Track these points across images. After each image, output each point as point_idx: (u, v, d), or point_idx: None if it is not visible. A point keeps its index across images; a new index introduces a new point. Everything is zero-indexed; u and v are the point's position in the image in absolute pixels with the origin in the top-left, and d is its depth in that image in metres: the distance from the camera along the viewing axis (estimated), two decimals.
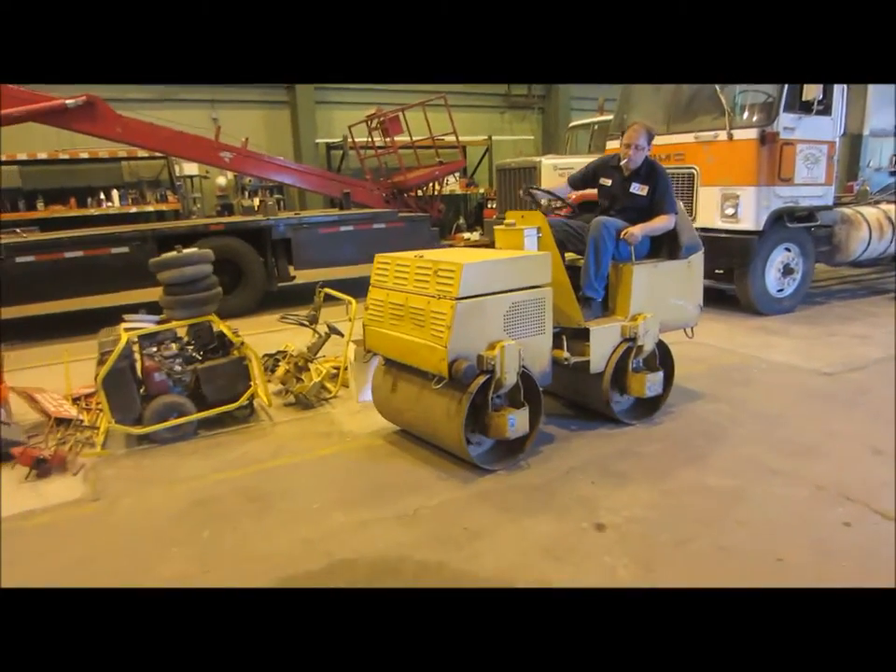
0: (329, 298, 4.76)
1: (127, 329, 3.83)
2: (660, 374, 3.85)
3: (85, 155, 10.68)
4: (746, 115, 6.13)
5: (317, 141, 13.10)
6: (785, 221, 6.25)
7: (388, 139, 9.61)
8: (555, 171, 9.28)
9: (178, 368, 3.91)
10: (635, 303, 3.79)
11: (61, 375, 4.60)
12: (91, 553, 2.76)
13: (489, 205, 12.15)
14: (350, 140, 10.37)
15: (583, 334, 3.66)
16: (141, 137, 7.73)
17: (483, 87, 14.28)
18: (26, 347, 6.30)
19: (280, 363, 4.65)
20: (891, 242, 7.09)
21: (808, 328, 6.04)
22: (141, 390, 3.90)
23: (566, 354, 3.59)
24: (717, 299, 7.40)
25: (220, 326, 4.06)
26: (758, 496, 3.04)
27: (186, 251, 4.01)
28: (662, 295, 3.92)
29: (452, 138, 9.96)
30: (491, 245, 4.65)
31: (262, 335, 5.94)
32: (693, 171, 6.37)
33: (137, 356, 4.04)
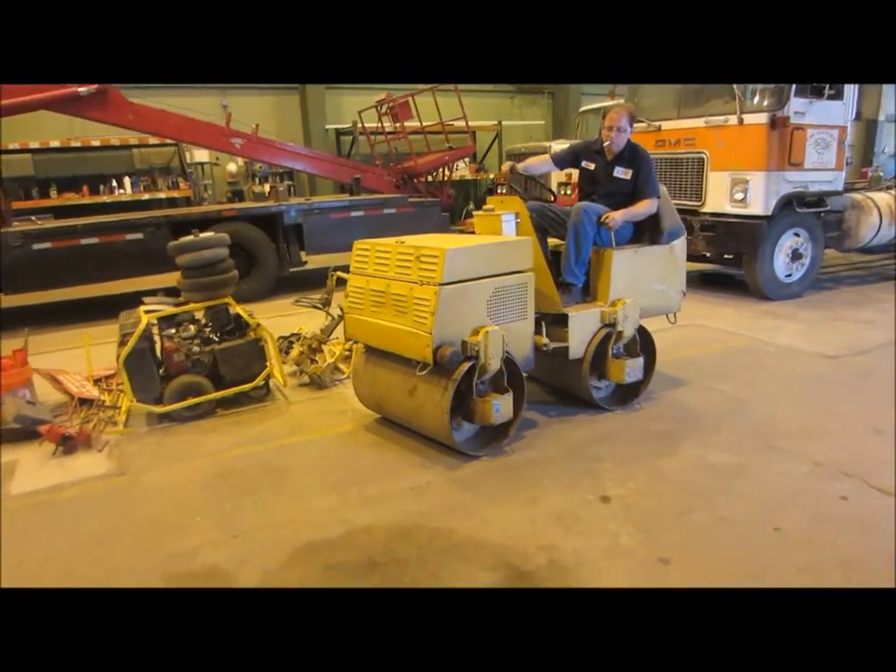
0: (341, 282, 4.86)
1: (147, 312, 3.95)
2: (640, 360, 3.83)
3: (97, 143, 10.80)
4: (756, 99, 6.13)
5: (327, 127, 13.16)
6: (794, 206, 6.27)
7: (398, 124, 9.65)
8: None
9: (197, 349, 4.04)
10: (614, 289, 3.77)
11: (81, 358, 4.74)
12: (120, 523, 2.90)
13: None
14: (360, 125, 10.42)
15: (563, 320, 3.65)
16: (152, 125, 7.84)
17: None
18: (47, 332, 6.45)
19: (294, 345, 4.78)
20: None
21: (816, 312, 6.09)
22: (161, 370, 4.03)
23: (545, 339, 3.57)
24: (725, 283, 7.47)
25: (237, 308, 4.18)
26: (758, 471, 3.13)
27: (203, 235, 4.12)
28: (643, 280, 3.89)
29: (462, 123, 9.99)
30: None
31: (276, 319, 6.05)
32: (704, 155, 6.40)
33: (157, 337, 4.17)
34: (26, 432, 3.78)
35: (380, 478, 3.19)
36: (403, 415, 3.57)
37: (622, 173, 3.89)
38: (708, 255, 6.99)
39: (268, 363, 4.21)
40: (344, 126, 12.80)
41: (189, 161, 11.67)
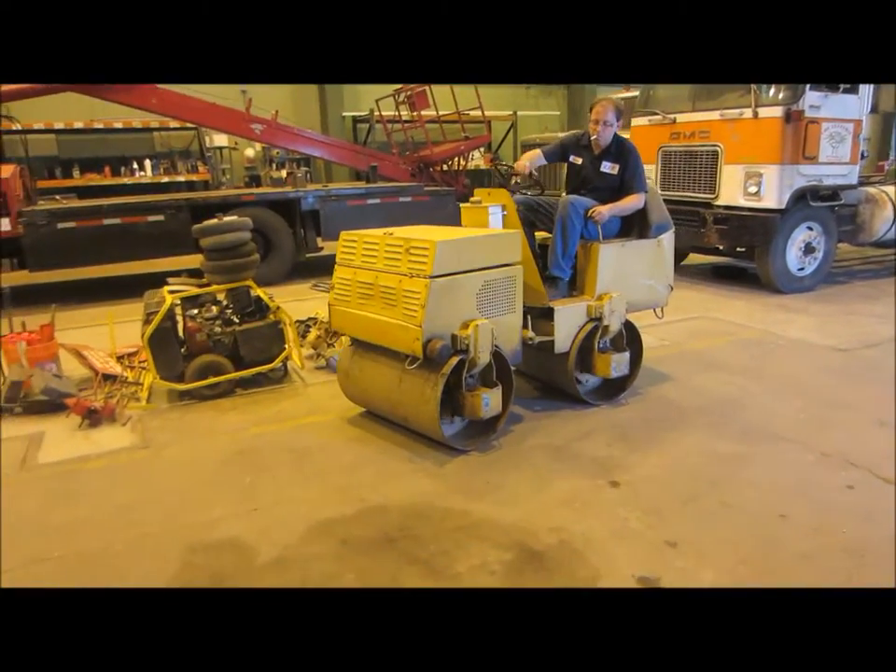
0: None
1: (171, 292, 4.06)
2: (626, 355, 3.81)
3: (119, 125, 10.93)
4: (771, 93, 6.13)
5: (344, 114, 13.20)
6: (808, 200, 6.28)
7: (415, 113, 9.69)
8: None
9: (218, 329, 4.14)
10: (601, 283, 3.74)
11: (103, 335, 4.88)
12: (145, 493, 3.02)
13: (513, 181, 12.19)
14: (377, 114, 10.47)
15: (549, 313, 3.62)
16: (175, 109, 7.94)
17: None
18: (69, 309, 6.59)
19: (311, 329, 4.88)
20: None
21: (828, 306, 6.11)
22: (183, 349, 4.14)
23: (530, 333, 3.54)
24: (737, 276, 7.49)
25: (258, 291, 4.28)
26: (765, 461, 3.19)
27: (226, 219, 4.22)
28: (630, 275, 3.87)
29: (477, 113, 10.01)
30: None
31: (292, 303, 6.14)
32: (718, 148, 6.42)
33: (179, 317, 4.28)
34: (52, 405, 3.92)
35: (394, 459, 3.29)
36: (390, 409, 3.51)
37: (609, 167, 3.86)
38: (721, 247, 7.01)
39: (286, 345, 4.31)
40: (361, 114, 12.84)
41: (208, 146, 11.77)
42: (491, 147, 14.00)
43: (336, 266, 3.61)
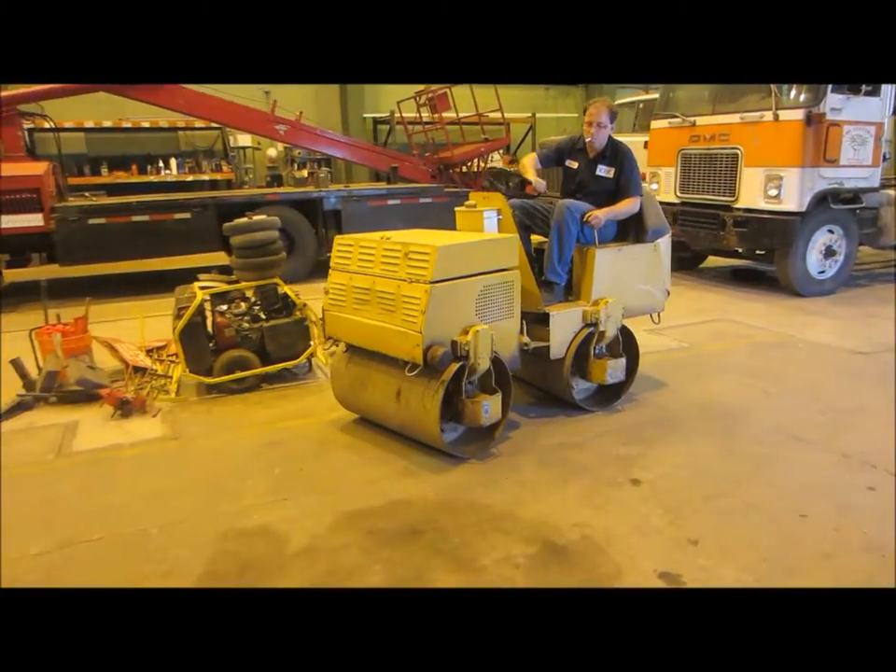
0: None
1: (201, 288, 4.16)
2: (622, 361, 3.77)
3: (146, 124, 11.14)
4: (792, 95, 6.14)
5: (365, 116, 13.32)
6: (829, 203, 6.27)
7: (436, 115, 9.76)
8: None
9: (246, 325, 4.24)
10: (597, 288, 3.70)
11: (131, 329, 5.02)
12: (177, 482, 3.12)
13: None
14: (398, 115, 10.56)
15: (544, 319, 3.58)
16: (202, 109, 8.08)
17: None
18: (97, 303, 6.73)
19: None
20: None
21: (848, 309, 6.10)
22: (211, 344, 4.25)
23: (525, 339, 3.50)
24: (756, 279, 7.48)
25: (284, 288, 4.38)
26: (785, 461, 3.22)
27: (256, 218, 4.32)
28: (626, 280, 3.83)
29: (497, 115, 10.06)
30: None
31: (314, 301, 6.23)
32: (738, 151, 6.42)
33: (208, 312, 4.38)
34: (86, 395, 4.05)
35: (418, 454, 3.35)
36: (387, 417, 3.46)
37: (604, 171, 3.83)
38: (740, 250, 7.01)
39: (311, 342, 4.40)
40: (381, 115, 12.95)
41: (231, 145, 11.95)
42: (510, 149, 14.05)
43: (330, 271, 3.53)
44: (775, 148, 6.14)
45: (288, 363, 4.35)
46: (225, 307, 4.28)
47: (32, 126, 9.05)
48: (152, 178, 11.40)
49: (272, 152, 12.67)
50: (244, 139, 11.83)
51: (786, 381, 4.29)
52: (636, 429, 3.60)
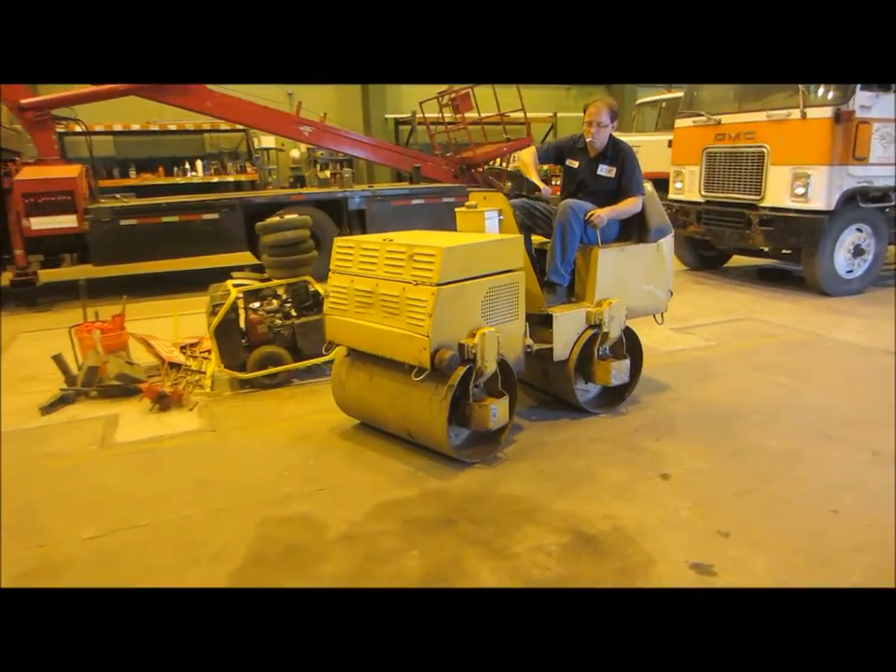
0: None
1: (235, 286, 4.27)
2: (626, 362, 3.72)
3: (173, 127, 11.37)
4: (820, 92, 6.10)
5: (386, 116, 13.44)
6: (858, 201, 6.22)
7: (459, 115, 9.84)
8: None
9: (278, 322, 4.34)
10: (600, 289, 3.66)
11: (163, 327, 5.15)
12: (217, 472, 3.22)
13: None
14: (420, 116, 10.65)
15: (547, 320, 3.54)
16: (229, 112, 8.25)
17: None
18: (130, 302, 6.91)
19: None
20: None
21: (877, 308, 6.04)
22: (244, 340, 4.35)
23: (528, 340, 3.46)
24: (782, 278, 7.44)
25: (316, 286, 4.47)
26: (816, 458, 3.23)
27: (287, 217, 4.42)
28: (629, 280, 3.79)
29: (518, 115, 10.11)
30: None
31: None
32: (764, 149, 6.40)
33: (241, 310, 4.49)
34: (125, 389, 4.17)
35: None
36: (391, 422, 3.40)
37: (605, 171, 3.79)
38: (766, 249, 6.98)
39: None
40: (403, 116, 13.05)
41: (256, 147, 12.14)
42: None
43: (330, 274, 3.47)
44: (802, 146, 6.11)
45: (319, 359, 4.42)
46: (257, 304, 4.38)
47: (63, 130, 9.28)
48: (179, 180, 11.63)
49: (295, 153, 12.84)
50: (267, 141, 12.00)
51: (814, 379, 4.29)
52: (664, 425, 3.63)
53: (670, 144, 7.93)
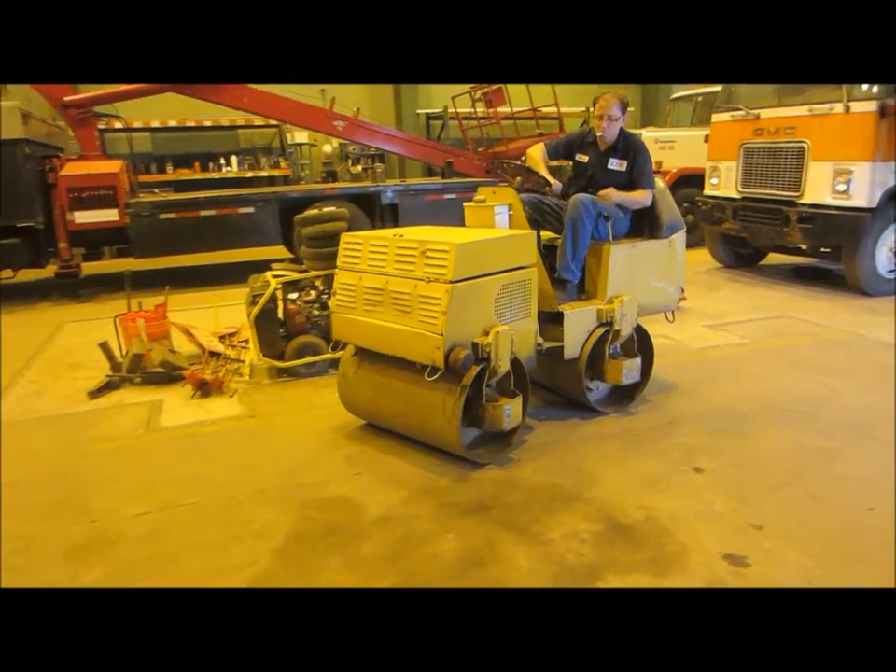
0: None
1: (274, 276, 4.37)
2: (637, 361, 3.64)
3: (208, 123, 11.60)
4: (865, 86, 5.97)
5: (418, 111, 13.51)
6: None
7: (491, 110, 9.85)
8: (656, 144, 9.29)
9: (316, 312, 4.44)
10: (612, 286, 3.58)
11: (199, 318, 5.29)
12: (258, 455, 3.33)
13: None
14: (452, 110, 10.69)
15: (557, 318, 3.46)
16: (264, 107, 8.37)
17: None
18: (172, 293, 7.11)
19: None
20: None
21: None
22: (282, 330, 4.45)
23: (538, 339, 3.39)
24: (820, 277, 7.31)
25: None
26: (852, 457, 3.18)
27: (326, 209, 4.51)
28: (641, 277, 3.71)
29: (551, 109, 10.08)
30: None
31: None
32: (804, 145, 6.29)
33: (280, 300, 4.59)
34: (167, 376, 4.31)
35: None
36: (401, 422, 3.34)
37: (616, 164, 3.72)
38: (804, 247, 6.87)
39: None
40: (434, 111, 13.10)
41: (289, 142, 12.31)
42: None
43: (337, 270, 3.41)
44: (844, 142, 5.98)
45: None
46: (296, 295, 4.48)
47: (103, 127, 9.53)
48: (214, 175, 11.85)
49: (327, 148, 12.99)
50: (300, 136, 12.16)
51: (853, 378, 4.22)
52: (700, 420, 3.62)
53: (706, 139, 7.84)
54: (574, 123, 14.12)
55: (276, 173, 12.28)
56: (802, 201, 6.36)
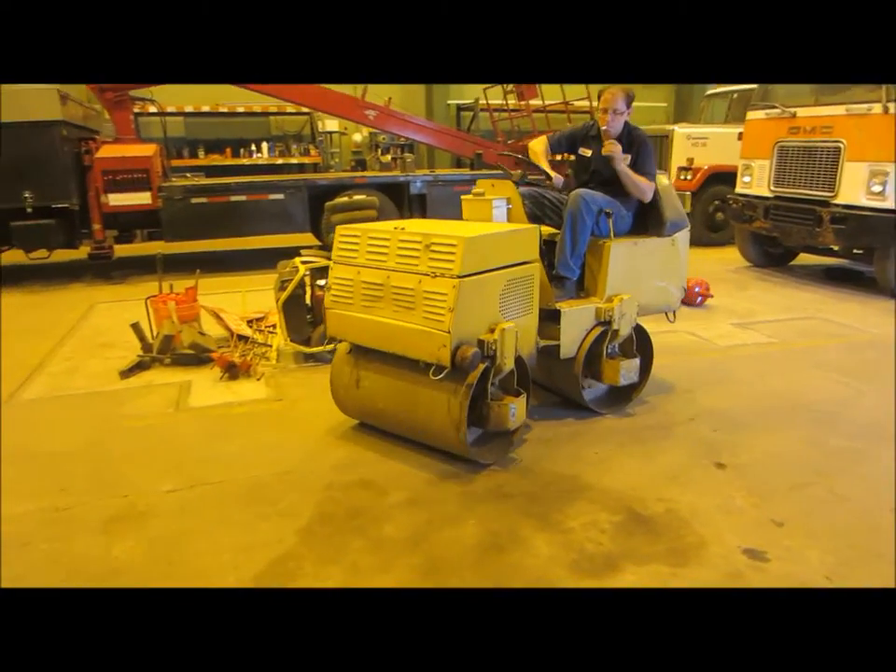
0: None
1: (303, 263, 4.44)
2: (636, 361, 3.57)
3: (241, 109, 11.73)
4: None
5: (448, 102, 13.50)
6: None
7: (523, 102, 9.82)
8: (688, 140, 9.18)
9: None
10: (611, 284, 3.50)
11: (230, 301, 5.38)
12: (286, 436, 3.40)
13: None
14: (483, 102, 10.67)
15: (554, 316, 3.38)
16: (297, 94, 8.43)
17: None
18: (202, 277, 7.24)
19: None
20: None
21: None
22: (308, 316, 4.52)
23: (535, 337, 3.33)
24: (851, 279, 7.19)
25: None
26: (878, 458, 3.16)
27: (356, 197, 4.56)
28: (642, 275, 3.62)
29: (582, 103, 10.01)
30: None
31: None
32: (840, 145, 6.18)
33: (307, 287, 4.66)
34: (196, 358, 4.41)
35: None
36: (400, 423, 3.23)
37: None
38: (836, 248, 6.76)
39: None
40: (465, 102, 13.08)
41: (319, 130, 12.40)
42: None
43: (332, 264, 3.29)
44: (883, 142, 5.85)
45: None
46: (324, 282, 4.52)
47: (138, 111, 9.69)
48: (245, 161, 12.00)
49: (357, 137, 13.06)
50: (331, 124, 12.24)
51: (880, 381, 4.17)
52: (723, 416, 3.61)
53: (740, 136, 7.73)
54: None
55: (306, 160, 12.38)
56: (835, 201, 6.26)
